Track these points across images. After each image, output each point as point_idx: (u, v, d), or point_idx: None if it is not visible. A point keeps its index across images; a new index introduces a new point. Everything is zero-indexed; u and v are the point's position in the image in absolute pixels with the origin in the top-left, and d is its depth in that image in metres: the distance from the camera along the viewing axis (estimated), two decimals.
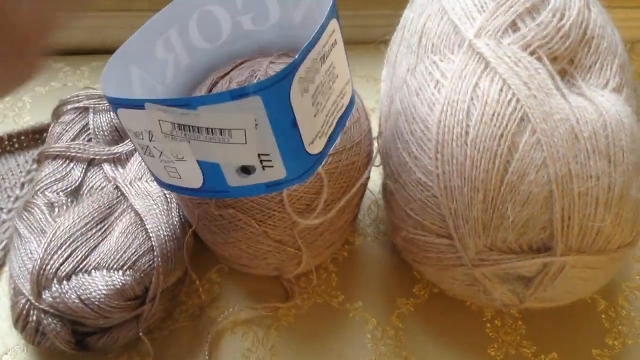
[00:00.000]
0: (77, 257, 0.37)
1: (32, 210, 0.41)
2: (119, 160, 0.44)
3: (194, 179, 0.32)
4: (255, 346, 0.41)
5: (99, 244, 0.38)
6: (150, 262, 0.38)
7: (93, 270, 0.36)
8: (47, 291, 0.36)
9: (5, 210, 0.48)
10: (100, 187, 0.42)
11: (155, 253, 0.38)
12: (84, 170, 0.43)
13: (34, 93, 0.59)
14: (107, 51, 0.34)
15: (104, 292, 0.36)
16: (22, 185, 0.50)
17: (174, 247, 0.40)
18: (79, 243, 0.37)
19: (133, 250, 0.38)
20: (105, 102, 0.47)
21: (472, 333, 0.42)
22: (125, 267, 0.37)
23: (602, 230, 0.33)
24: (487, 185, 0.33)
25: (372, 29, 0.60)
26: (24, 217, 0.41)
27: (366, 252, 0.47)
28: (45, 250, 0.37)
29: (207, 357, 0.40)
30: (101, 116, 0.46)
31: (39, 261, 0.37)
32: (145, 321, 0.38)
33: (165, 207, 0.41)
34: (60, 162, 0.43)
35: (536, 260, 0.33)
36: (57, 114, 0.47)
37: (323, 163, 0.33)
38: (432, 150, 0.35)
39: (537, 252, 0.34)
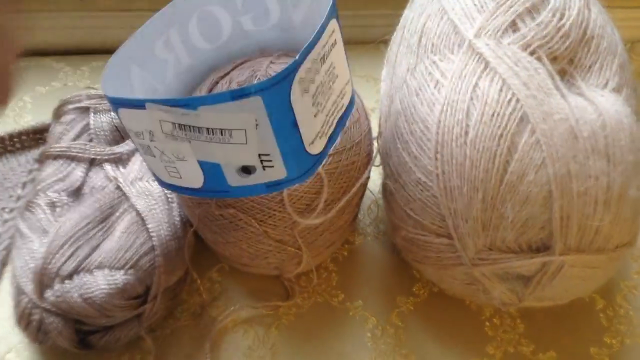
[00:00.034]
0: (79, 256, 0.37)
1: (34, 210, 0.41)
2: (120, 160, 0.44)
3: (195, 178, 0.32)
4: (256, 345, 0.41)
5: (100, 243, 0.38)
6: (152, 262, 0.38)
7: (95, 270, 0.37)
8: (49, 290, 0.37)
9: (7, 210, 0.48)
10: (101, 187, 0.42)
11: (156, 252, 0.38)
12: (85, 170, 0.43)
13: (35, 93, 0.59)
14: (107, 51, 0.34)
15: (106, 291, 0.36)
16: (24, 184, 0.50)
17: (175, 247, 0.40)
18: (81, 242, 0.38)
19: (135, 250, 0.38)
20: (106, 102, 0.47)
21: (471, 331, 0.42)
22: (127, 267, 0.37)
23: (601, 230, 0.33)
24: (486, 185, 0.33)
25: (371, 29, 0.60)
26: (26, 216, 0.41)
27: (366, 251, 0.47)
28: (48, 249, 0.37)
29: (208, 355, 0.40)
30: (102, 116, 0.46)
31: (41, 260, 0.37)
32: (147, 320, 0.39)
33: (166, 206, 0.41)
34: (62, 162, 0.44)
35: (535, 259, 0.34)
36: (58, 113, 0.48)
37: (323, 163, 0.33)
38: (432, 150, 0.35)
39: (536, 252, 0.34)
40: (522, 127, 0.33)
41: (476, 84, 0.34)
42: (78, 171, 0.43)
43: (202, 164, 0.31)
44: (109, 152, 0.44)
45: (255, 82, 0.37)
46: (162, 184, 0.34)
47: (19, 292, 0.38)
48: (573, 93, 0.35)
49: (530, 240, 0.34)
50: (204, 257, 0.45)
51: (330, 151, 0.33)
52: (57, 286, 0.36)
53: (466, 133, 0.33)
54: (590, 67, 0.37)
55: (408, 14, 0.43)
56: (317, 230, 0.39)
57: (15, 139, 0.53)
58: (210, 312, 0.43)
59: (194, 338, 0.42)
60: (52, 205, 0.41)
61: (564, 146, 0.32)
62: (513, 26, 0.36)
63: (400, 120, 0.38)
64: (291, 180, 0.31)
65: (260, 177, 0.30)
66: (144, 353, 0.41)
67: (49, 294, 0.37)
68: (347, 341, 0.42)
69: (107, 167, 0.43)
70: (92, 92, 0.48)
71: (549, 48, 0.36)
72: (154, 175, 0.34)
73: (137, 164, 0.43)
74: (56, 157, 0.44)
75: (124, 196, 0.41)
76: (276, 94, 0.27)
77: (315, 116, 0.30)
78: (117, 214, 0.40)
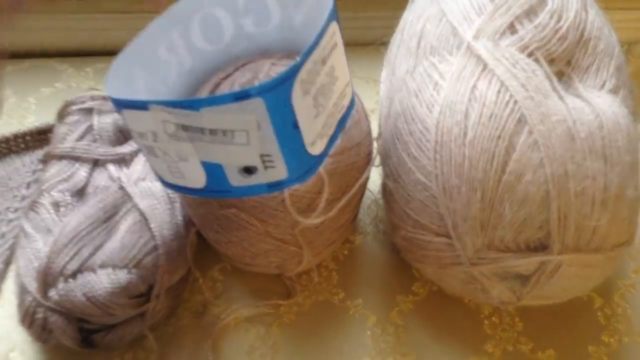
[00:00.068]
0: (82, 255, 0.37)
1: (39, 210, 0.41)
2: (123, 161, 0.45)
3: (197, 179, 0.32)
4: (258, 343, 0.42)
5: (104, 242, 0.38)
6: (155, 261, 0.39)
7: (98, 269, 0.37)
8: (53, 289, 0.37)
9: (11, 210, 0.49)
10: (105, 187, 0.42)
11: (159, 252, 0.39)
12: (89, 171, 0.44)
13: (39, 94, 0.60)
14: (110, 53, 0.34)
15: (109, 289, 0.36)
16: (28, 185, 0.51)
17: (178, 246, 0.40)
18: (84, 242, 0.38)
19: (138, 249, 0.38)
20: (109, 103, 0.47)
21: (470, 330, 0.43)
22: (130, 266, 0.38)
23: (598, 230, 0.33)
24: (485, 185, 0.33)
25: (371, 31, 0.60)
26: (30, 216, 0.41)
27: (366, 250, 0.48)
28: (52, 248, 0.37)
29: (210, 353, 0.41)
30: (105, 117, 0.47)
31: (45, 260, 0.37)
32: (149, 318, 0.39)
33: (168, 206, 0.41)
34: (66, 163, 0.44)
35: (533, 258, 0.34)
36: (62, 114, 0.48)
37: (324, 163, 0.33)
38: (431, 150, 0.35)
39: (534, 251, 0.34)
40: (520, 128, 0.33)
41: (475, 86, 0.35)
42: (82, 171, 0.44)
43: (205, 165, 0.31)
44: (113, 152, 0.45)
45: (257, 83, 0.38)
46: (165, 184, 0.34)
47: (23, 291, 0.38)
48: (570, 94, 0.35)
49: (528, 239, 0.34)
50: (205, 256, 0.45)
51: (331, 152, 0.33)
52: (61, 285, 0.37)
53: (465, 134, 0.34)
54: (587, 68, 0.37)
55: (407, 16, 0.44)
56: (318, 230, 0.39)
57: (19, 140, 0.53)
58: (212, 310, 0.43)
59: (196, 336, 0.42)
60: (56, 205, 0.41)
61: (561, 147, 0.33)
62: (511, 28, 0.37)
63: (400, 121, 0.38)
64: (292, 180, 0.31)
65: (261, 178, 0.31)
66: (147, 351, 0.41)
67: (52, 292, 0.37)
68: (347, 339, 0.42)
69: (111, 167, 0.44)
70: (96, 93, 0.48)
71: (547, 50, 0.36)
72: (157, 175, 0.34)
73: (140, 164, 0.44)
74: (60, 157, 0.44)
75: (127, 196, 0.41)
76: (277, 95, 0.28)
77: (316, 117, 0.31)
78: (121, 213, 0.40)
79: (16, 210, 0.49)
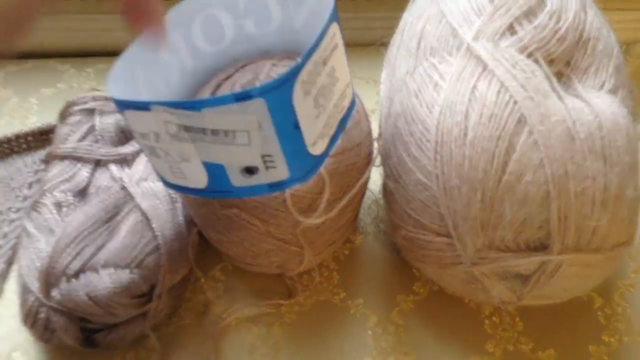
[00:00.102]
0: (85, 255, 0.38)
1: (41, 210, 0.41)
2: (125, 161, 0.45)
3: (199, 179, 0.32)
4: (259, 342, 0.42)
5: (106, 242, 0.39)
6: (157, 261, 0.39)
7: (101, 268, 0.37)
8: (55, 289, 0.37)
9: (13, 210, 0.49)
10: (107, 187, 0.43)
11: (161, 251, 0.39)
12: (91, 171, 0.44)
13: (40, 94, 0.60)
14: (111, 53, 0.34)
15: (111, 289, 0.37)
16: (30, 185, 0.51)
17: (179, 246, 0.40)
18: (87, 242, 0.38)
19: (140, 249, 0.38)
20: (111, 103, 0.47)
21: (471, 329, 0.43)
22: (132, 265, 0.38)
23: (598, 230, 0.33)
24: (485, 185, 0.33)
25: (370, 31, 0.60)
26: (32, 216, 0.41)
27: (367, 250, 0.48)
28: (54, 248, 0.38)
29: (211, 353, 0.41)
30: (107, 118, 0.47)
31: (47, 259, 0.37)
32: (151, 318, 0.39)
33: (170, 206, 0.42)
34: (68, 163, 0.44)
35: (533, 258, 0.34)
36: (63, 115, 0.48)
37: (325, 164, 0.33)
38: (431, 150, 0.35)
39: (535, 251, 0.34)
40: (520, 128, 0.33)
41: (475, 86, 0.35)
42: (84, 172, 0.44)
43: (206, 165, 0.31)
44: (114, 153, 0.45)
45: (258, 84, 0.38)
46: (167, 184, 0.35)
47: (25, 290, 0.39)
48: (570, 95, 0.36)
49: (528, 239, 0.34)
50: (207, 256, 0.46)
51: (332, 152, 0.33)
52: (63, 285, 0.37)
53: (465, 134, 0.34)
54: (586, 69, 0.37)
55: (407, 17, 0.44)
56: (319, 230, 0.40)
57: (21, 140, 0.53)
58: (214, 310, 0.43)
59: (197, 336, 0.42)
60: (59, 205, 0.42)
61: (561, 147, 0.33)
62: (510, 29, 0.37)
63: (400, 122, 0.38)
64: (293, 180, 0.31)
65: (263, 178, 0.31)
66: (149, 351, 0.41)
67: (55, 292, 0.37)
68: (348, 339, 0.42)
69: (113, 167, 0.44)
70: (98, 94, 0.48)
71: (546, 51, 0.36)
72: (159, 175, 0.35)
73: (141, 164, 0.44)
74: (62, 157, 0.45)
75: (129, 196, 0.42)
76: (279, 96, 0.28)
77: (316, 118, 0.31)
78: (123, 213, 0.41)
79: (18, 210, 0.49)
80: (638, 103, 0.40)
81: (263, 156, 0.30)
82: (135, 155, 0.45)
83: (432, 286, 0.45)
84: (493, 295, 0.37)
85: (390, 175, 0.40)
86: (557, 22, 0.37)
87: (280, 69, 0.40)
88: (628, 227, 0.35)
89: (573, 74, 0.37)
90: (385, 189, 0.42)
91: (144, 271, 0.38)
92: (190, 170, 0.32)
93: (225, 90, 0.39)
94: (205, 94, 0.40)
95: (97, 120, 0.47)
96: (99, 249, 0.38)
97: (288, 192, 0.37)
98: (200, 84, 0.42)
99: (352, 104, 0.36)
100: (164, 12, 0.27)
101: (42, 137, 0.54)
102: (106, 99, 0.48)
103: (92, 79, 0.62)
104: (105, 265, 0.37)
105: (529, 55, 0.36)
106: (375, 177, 0.46)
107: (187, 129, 0.29)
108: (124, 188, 0.42)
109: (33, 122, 0.57)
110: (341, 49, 0.32)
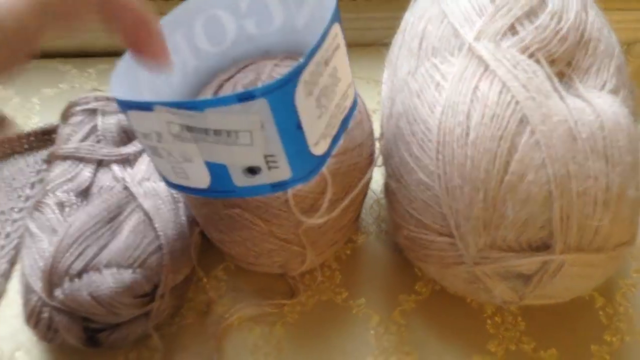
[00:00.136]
0: (87, 255, 0.38)
1: (43, 210, 0.41)
2: (127, 161, 0.45)
3: (201, 179, 0.32)
4: (262, 342, 0.42)
5: (109, 242, 0.39)
6: (159, 260, 0.39)
7: (103, 268, 0.37)
8: (58, 289, 0.37)
9: (16, 210, 0.49)
10: (109, 187, 0.43)
11: (163, 251, 0.39)
12: (93, 171, 0.44)
13: (42, 95, 0.60)
14: (113, 54, 0.34)
15: (114, 289, 0.37)
16: (32, 185, 0.51)
17: (182, 246, 0.40)
18: (89, 242, 0.38)
19: (142, 249, 0.38)
20: (113, 104, 0.48)
21: (473, 329, 0.43)
22: (134, 265, 0.38)
23: (600, 229, 0.34)
24: (487, 185, 0.33)
25: (371, 31, 0.60)
26: (35, 216, 0.42)
27: (369, 250, 0.48)
28: (57, 248, 0.38)
29: (214, 352, 0.41)
30: (109, 118, 0.47)
31: (51, 259, 0.37)
32: (154, 318, 0.39)
33: (172, 206, 0.42)
34: (70, 163, 0.44)
35: (535, 258, 0.34)
36: (66, 115, 0.48)
37: (327, 164, 0.34)
38: (433, 150, 0.35)
39: (537, 251, 0.34)
40: (522, 128, 0.33)
41: (476, 86, 0.35)
42: (86, 172, 0.44)
43: (209, 165, 0.31)
44: (117, 153, 0.45)
45: (260, 84, 0.38)
46: (169, 184, 0.35)
47: (28, 290, 0.39)
48: (571, 95, 0.36)
49: (530, 239, 0.34)
50: (209, 255, 0.46)
51: (334, 152, 0.34)
52: (66, 284, 0.37)
53: (467, 134, 0.34)
54: (588, 69, 0.37)
55: (408, 17, 0.44)
56: (321, 230, 0.40)
57: (23, 140, 0.53)
58: (216, 310, 0.44)
59: (200, 335, 0.42)
60: (61, 205, 0.42)
61: (563, 147, 0.33)
62: (512, 30, 0.37)
63: (402, 122, 0.38)
64: (296, 180, 0.31)
65: (265, 178, 0.31)
66: (151, 350, 0.41)
67: (58, 292, 0.37)
68: (350, 338, 0.42)
69: (115, 167, 0.44)
70: (100, 94, 0.49)
71: (547, 51, 0.36)
72: (161, 175, 0.35)
73: (144, 164, 0.44)
74: (64, 157, 0.45)
75: (131, 196, 0.42)
76: (281, 96, 0.28)
77: (319, 118, 0.31)
78: (125, 213, 0.41)
79: (20, 210, 0.49)
80: (639, 103, 0.40)
81: (265, 156, 0.30)
82: (137, 155, 0.45)
83: (434, 286, 0.45)
84: (495, 295, 0.37)
85: (392, 175, 0.40)
86: (559, 22, 0.37)
87: (282, 69, 0.40)
88: (630, 226, 0.36)
89: (574, 74, 0.37)
90: (387, 188, 0.42)
91: (146, 271, 0.38)
92: (193, 170, 0.32)
93: (227, 91, 0.39)
94: (207, 94, 0.40)
95: (100, 121, 0.47)
96: (102, 248, 0.38)
97: (290, 192, 0.37)
98: (202, 84, 0.42)
99: (354, 104, 0.36)
100: (165, 45, 0.27)
101: (44, 137, 0.54)
102: (108, 99, 0.48)
103: (93, 79, 0.62)
104: (108, 265, 0.37)
105: (531, 56, 0.36)
106: (377, 177, 0.46)
107: (190, 129, 0.29)
108: (126, 188, 0.42)
109: (35, 122, 0.57)
110: (343, 49, 0.32)
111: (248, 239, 0.39)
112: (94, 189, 0.43)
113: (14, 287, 0.44)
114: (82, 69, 0.63)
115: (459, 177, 0.34)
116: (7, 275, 0.45)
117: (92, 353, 0.40)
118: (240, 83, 0.39)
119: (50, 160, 0.46)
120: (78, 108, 0.48)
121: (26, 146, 0.53)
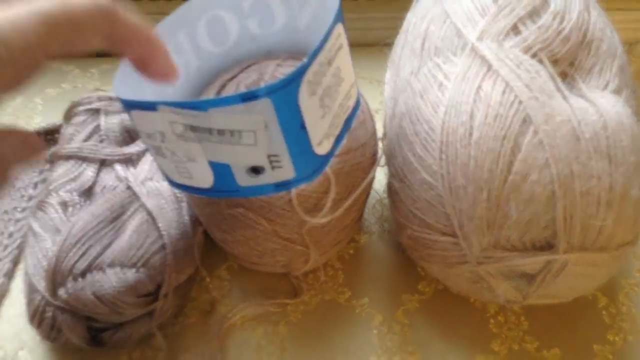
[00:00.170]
0: (91, 254, 0.38)
1: (47, 210, 0.41)
2: (130, 161, 0.45)
3: (205, 179, 0.32)
4: (265, 341, 0.42)
5: (112, 242, 0.39)
6: (162, 260, 0.39)
7: (107, 268, 0.37)
8: (62, 288, 0.37)
9: (19, 209, 0.49)
10: (112, 187, 0.43)
11: (167, 251, 0.39)
12: (96, 171, 0.44)
13: (45, 95, 0.60)
14: (115, 54, 0.34)
15: (117, 288, 0.37)
16: (35, 184, 0.51)
17: (185, 245, 0.41)
18: (93, 241, 0.38)
19: (145, 248, 0.39)
20: (116, 103, 0.48)
21: (476, 329, 0.43)
22: (138, 265, 0.38)
23: (604, 229, 0.34)
24: (490, 185, 0.33)
25: (372, 32, 0.60)
26: (38, 216, 0.42)
27: (371, 249, 0.48)
28: (61, 248, 0.38)
29: (217, 352, 0.41)
30: (112, 118, 0.47)
31: (54, 259, 0.38)
32: (158, 317, 0.39)
33: (175, 206, 0.42)
34: (73, 163, 0.44)
35: (539, 257, 0.34)
36: (68, 115, 0.48)
37: (330, 163, 0.34)
38: (437, 150, 0.35)
39: (540, 250, 0.34)
40: (525, 128, 0.33)
41: (479, 86, 0.35)
42: (89, 171, 0.44)
43: (212, 165, 0.31)
44: (119, 152, 0.45)
45: (263, 84, 0.38)
46: (173, 184, 0.35)
47: (31, 290, 0.39)
48: (574, 95, 0.36)
49: (534, 239, 0.34)
50: (212, 255, 0.46)
51: (337, 152, 0.34)
52: (69, 284, 0.37)
53: (470, 134, 0.34)
54: (590, 69, 0.37)
55: (411, 17, 0.44)
56: (324, 229, 0.40)
57: None
58: (220, 309, 0.44)
59: (203, 335, 0.42)
60: (64, 204, 0.42)
61: (566, 147, 0.33)
62: (515, 29, 0.37)
63: (405, 122, 0.39)
64: (299, 180, 0.31)
65: (269, 177, 0.31)
66: (155, 350, 0.41)
67: (61, 291, 0.37)
68: (353, 338, 0.42)
69: (118, 167, 0.44)
70: (102, 94, 0.49)
71: (550, 51, 0.36)
72: (165, 175, 0.35)
73: (147, 164, 0.44)
74: (67, 157, 0.45)
75: (134, 196, 0.42)
76: (285, 96, 0.28)
77: (322, 118, 0.31)
78: (128, 213, 0.41)
79: (23, 209, 0.49)
80: None
81: (269, 156, 0.30)
82: (140, 155, 0.45)
83: (437, 285, 0.45)
84: (498, 295, 0.37)
85: (395, 175, 0.40)
86: (561, 22, 0.37)
87: (285, 69, 0.40)
88: (633, 226, 0.35)
89: (577, 74, 0.37)
90: (390, 188, 0.42)
91: (150, 270, 0.38)
92: (197, 170, 0.32)
93: (230, 91, 0.39)
94: (210, 95, 0.40)
95: (102, 120, 0.47)
96: (105, 248, 0.38)
97: (294, 191, 0.37)
98: (205, 84, 0.42)
99: (357, 103, 0.36)
100: (172, 60, 0.28)
101: (47, 137, 0.54)
102: (111, 99, 0.48)
103: (96, 79, 0.62)
104: (111, 265, 0.38)
105: (533, 56, 0.36)
106: (380, 177, 0.46)
107: (194, 128, 0.29)
108: (129, 188, 0.42)
109: (38, 122, 0.58)
110: (346, 49, 0.32)
111: (251, 239, 0.39)
112: (97, 189, 0.43)
113: (17, 286, 0.45)
114: (84, 69, 0.63)
115: (462, 177, 0.34)
116: (10, 274, 0.46)
117: (95, 352, 0.40)
118: (243, 83, 0.39)
119: (53, 160, 0.46)
120: (81, 108, 0.48)
121: None
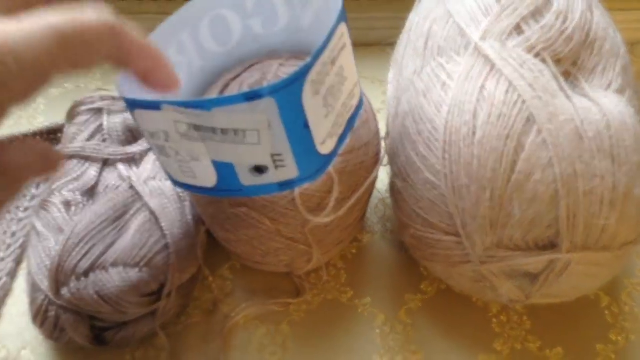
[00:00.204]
0: (94, 254, 0.38)
1: (50, 209, 0.41)
2: (133, 160, 0.45)
3: (208, 178, 0.32)
4: (268, 341, 0.42)
5: (115, 241, 0.39)
6: (165, 259, 0.39)
7: (110, 267, 0.37)
8: (65, 287, 0.37)
9: (22, 209, 0.49)
10: (115, 186, 0.43)
11: (170, 250, 0.39)
12: (99, 170, 0.44)
13: (48, 94, 0.60)
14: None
15: (120, 288, 0.37)
16: (38, 184, 0.51)
17: (188, 245, 0.41)
18: (96, 240, 0.38)
19: (148, 248, 0.39)
20: (118, 103, 0.48)
21: (479, 328, 0.43)
22: (141, 264, 0.38)
23: (607, 228, 0.34)
24: (494, 184, 0.33)
25: (374, 31, 0.60)
26: (41, 215, 0.42)
27: (374, 249, 0.48)
28: (64, 247, 0.38)
29: (220, 351, 0.41)
30: (115, 117, 0.47)
31: (57, 258, 0.38)
32: (160, 317, 0.39)
33: (178, 205, 0.42)
34: (76, 162, 0.44)
35: (542, 257, 0.34)
36: (71, 115, 0.48)
37: (333, 163, 0.34)
38: (440, 150, 0.35)
39: (543, 249, 0.34)
40: (529, 127, 0.33)
41: (483, 86, 0.35)
42: (92, 171, 0.44)
43: (216, 164, 0.31)
44: (122, 152, 0.45)
45: (266, 84, 0.38)
46: (176, 183, 0.35)
47: (34, 289, 0.39)
48: (577, 94, 0.36)
49: (537, 238, 0.34)
50: (215, 254, 0.46)
51: (340, 151, 0.34)
52: (73, 283, 0.37)
53: (474, 133, 0.34)
54: (593, 68, 0.37)
55: (413, 17, 0.44)
56: (328, 229, 0.40)
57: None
58: (222, 308, 0.44)
59: (206, 334, 0.42)
60: (67, 204, 0.42)
61: (569, 146, 0.33)
62: (518, 29, 0.37)
63: (408, 121, 0.39)
64: (303, 179, 0.31)
65: (272, 177, 0.31)
66: (158, 349, 0.41)
67: (65, 291, 0.37)
68: (356, 337, 0.42)
69: (121, 166, 0.44)
70: (105, 93, 0.49)
71: (553, 50, 0.36)
72: (168, 175, 0.35)
73: (149, 163, 0.44)
74: (70, 157, 0.45)
75: (137, 195, 0.42)
76: (288, 95, 0.28)
77: (325, 117, 0.31)
78: (131, 212, 0.41)
79: (26, 209, 0.49)
80: None
81: (272, 155, 0.30)
82: (143, 154, 0.45)
83: (439, 285, 0.45)
84: (501, 294, 0.37)
85: (398, 174, 0.40)
86: (564, 22, 0.37)
87: (288, 68, 0.40)
88: (636, 226, 0.35)
89: (580, 74, 0.37)
90: (393, 188, 0.42)
91: (153, 270, 0.38)
92: (200, 169, 0.32)
93: (233, 90, 0.39)
94: (213, 94, 0.40)
95: (105, 120, 0.47)
96: (108, 247, 0.38)
97: (297, 191, 0.37)
98: (208, 84, 0.42)
99: (360, 103, 0.36)
100: (175, 73, 0.28)
101: (49, 137, 0.54)
102: (114, 98, 0.48)
103: (98, 79, 0.62)
104: (114, 264, 0.38)
105: (537, 55, 0.36)
106: (382, 177, 0.46)
107: (197, 128, 0.29)
108: (132, 187, 0.42)
109: (41, 121, 0.58)
110: (349, 48, 0.32)
111: (254, 238, 0.39)
112: (100, 188, 0.43)
113: (20, 285, 0.45)
114: None
115: (465, 176, 0.34)
116: (13, 274, 0.46)
117: (98, 352, 0.41)
118: (246, 82, 0.40)
119: None
120: (84, 107, 0.48)
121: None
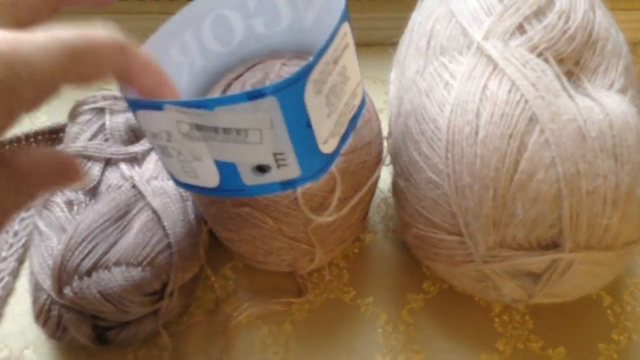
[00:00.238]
0: (97, 253, 0.38)
1: (52, 208, 0.42)
2: (135, 160, 0.45)
3: (211, 178, 0.32)
4: (270, 340, 0.42)
5: (117, 240, 0.39)
6: (168, 259, 0.39)
7: (113, 266, 0.37)
8: (68, 287, 0.37)
9: (24, 208, 0.49)
10: (117, 186, 0.43)
11: (172, 250, 0.39)
12: (101, 169, 0.44)
13: None
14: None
15: (123, 287, 0.37)
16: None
17: (190, 244, 0.41)
18: (98, 240, 0.38)
19: (151, 247, 0.39)
20: (121, 102, 0.48)
21: (481, 328, 0.43)
22: (144, 263, 0.38)
23: (610, 228, 0.34)
24: (497, 184, 0.33)
25: (376, 31, 0.60)
26: (43, 214, 0.42)
27: (376, 248, 0.48)
28: (66, 246, 0.38)
29: (222, 350, 0.41)
30: (117, 117, 0.47)
31: (60, 257, 0.38)
32: (163, 316, 0.39)
33: (181, 204, 0.42)
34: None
35: (545, 256, 0.34)
36: (73, 114, 0.48)
37: (336, 162, 0.34)
38: (443, 149, 0.35)
39: (546, 249, 0.34)
40: (532, 127, 0.33)
41: (485, 85, 0.35)
42: (94, 170, 0.44)
43: (218, 164, 0.31)
44: (125, 151, 0.45)
45: (268, 83, 0.38)
46: (178, 183, 0.35)
47: (37, 288, 0.39)
48: (580, 94, 0.36)
49: (540, 237, 0.34)
50: (218, 254, 0.46)
51: (343, 150, 0.34)
52: (75, 283, 0.37)
53: (476, 133, 0.34)
54: (596, 68, 0.37)
55: (416, 17, 0.44)
56: (330, 228, 0.40)
57: (31, 139, 0.53)
58: (225, 308, 0.44)
59: (208, 334, 0.42)
60: (70, 203, 0.42)
61: (572, 146, 0.33)
62: (520, 29, 0.37)
63: (411, 121, 0.39)
64: (305, 178, 0.31)
65: (275, 176, 0.31)
66: (160, 349, 0.41)
67: (67, 290, 0.37)
68: (358, 337, 0.42)
69: (123, 166, 0.44)
70: (107, 93, 0.49)
71: (556, 50, 0.36)
72: (170, 175, 0.35)
73: (152, 163, 0.44)
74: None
75: (139, 194, 0.42)
76: (291, 94, 0.28)
77: (328, 116, 0.31)
78: (134, 212, 0.41)
79: (29, 208, 0.49)
80: None
81: (275, 154, 0.30)
82: (145, 154, 0.45)
83: (442, 284, 0.45)
84: (504, 294, 0.37)
85: (400, 174, 0.40)
86: (567, 21, 0.37)
87: (290, 68, 0.40)
88: (639, 225, 0.35)
89: (582, 74, 0.37)
90: (395, 187, 0.42)
91: (155, 269, 0.38)
92: (202, 169, 0.32)
93: (235, 90, 0.39)
94: (216, 94, 0.40)
95: (107, 119, 0.47)
96: (111, 247, 0.38)
97: (299, 190, 0.37)
98: (210, 83, 0.42)
99: (363, 102, 0.36)
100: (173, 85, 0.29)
101: (52, 136, 0.54)
102: (116, 98, 0.48)
103: None
104: (117, 263, 0.38)
105: (539, 55, 0.36)
106: (384, 176, 0.46)
107: (200, 127, 0.29)
108: (134, 186, 0.42)
109: (43, 121, 0.58)
110: (352, 48, 0.32)
111: (257, 238, 0.39)
112: (102, 188, 0.43)
113: (23, 285, 0.45)
114: None
115: (468, 176, 0.34)
116: (15, 273, 0.46)
117: (101, 351, 0.41)
118: (249, 82, 0.40)
119: None
120: (86, 107, 0.48)
121: (34, 145, 0.54)
